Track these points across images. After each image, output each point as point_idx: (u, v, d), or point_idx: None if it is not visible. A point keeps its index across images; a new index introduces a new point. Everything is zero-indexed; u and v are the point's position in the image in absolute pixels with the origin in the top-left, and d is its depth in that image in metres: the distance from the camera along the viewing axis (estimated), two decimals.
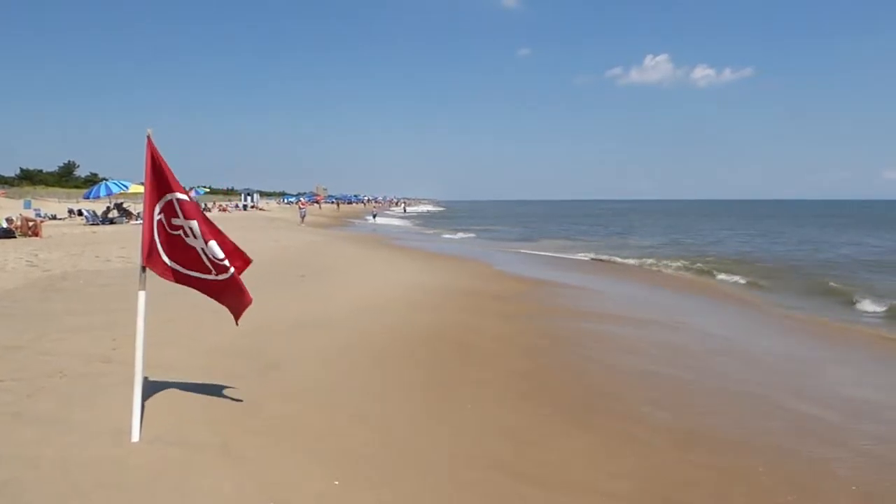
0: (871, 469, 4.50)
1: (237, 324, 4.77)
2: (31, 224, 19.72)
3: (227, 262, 4.32)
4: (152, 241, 4.32)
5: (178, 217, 4.26)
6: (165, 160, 4.20)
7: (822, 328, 10.52)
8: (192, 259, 4.39)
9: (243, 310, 4.62)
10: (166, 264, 4.42)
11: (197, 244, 4.30)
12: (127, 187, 29.65)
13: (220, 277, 4.38)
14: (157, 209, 4.29)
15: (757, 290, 15.14)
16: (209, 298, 4.62)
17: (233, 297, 4.54)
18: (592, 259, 22.27)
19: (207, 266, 4.37)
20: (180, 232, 4.31)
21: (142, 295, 4.17)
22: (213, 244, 4.27)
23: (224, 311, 4.71)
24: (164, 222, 4.32)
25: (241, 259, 4.44)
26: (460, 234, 38.48)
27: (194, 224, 4.23)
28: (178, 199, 4.22)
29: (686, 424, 5.17)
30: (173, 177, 4.23)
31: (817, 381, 6.98)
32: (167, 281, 4.45)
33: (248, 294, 4.51)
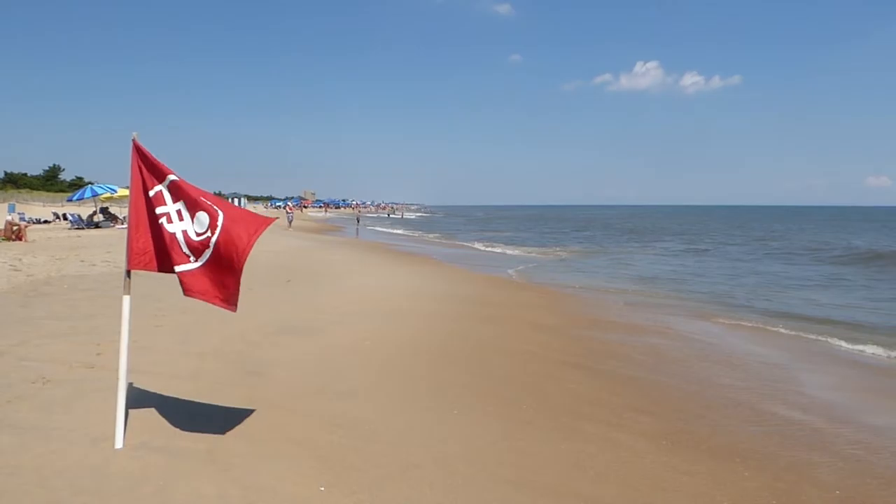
0: (853, 474, 4.55)
1: (234, 310, 4.03)
2: (15, 228, 19.47)
3: (208, 234, 3.91)
4: (162, 243, 4.05)
5: (165, 205, 4.02)
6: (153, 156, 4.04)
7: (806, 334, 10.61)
8: (175, 251, 3.99)
9: (233, 289, 3.93)
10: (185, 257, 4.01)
11: (177, 228, 3.98)
12: (114, 191, 29.30)
13: (199, 263, 3.93)
14: (166, 206, 4.02)
15: None
16: (197, 300, 4.17)
17: (217, 279, 3.94)
18: None
19: (185, 254, 3.96)
20: (164, 220, 4.01)
21: (126, 300, 4.12)
22: (200, 215, 3.96)
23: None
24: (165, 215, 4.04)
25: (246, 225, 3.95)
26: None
27: (181, 206, 4.00)
28: (169, 183, 4.02)
29: (670, 429, 5.21)
30: (162, 165, 4.04)
31: (799, 386, 7.04)
32: (158, 277, 4.10)
33: (249, 238, 3.85)
